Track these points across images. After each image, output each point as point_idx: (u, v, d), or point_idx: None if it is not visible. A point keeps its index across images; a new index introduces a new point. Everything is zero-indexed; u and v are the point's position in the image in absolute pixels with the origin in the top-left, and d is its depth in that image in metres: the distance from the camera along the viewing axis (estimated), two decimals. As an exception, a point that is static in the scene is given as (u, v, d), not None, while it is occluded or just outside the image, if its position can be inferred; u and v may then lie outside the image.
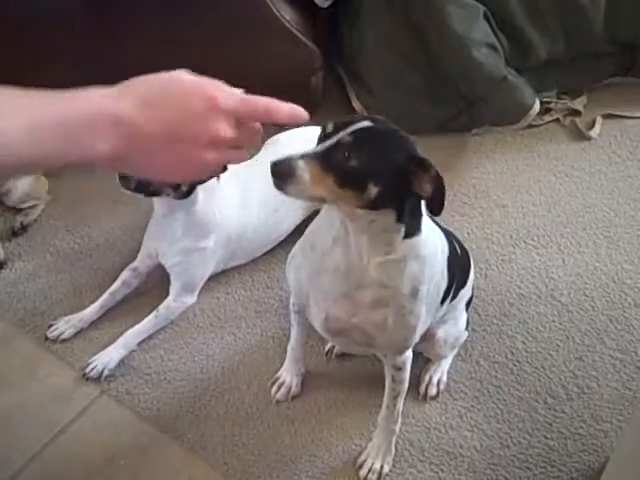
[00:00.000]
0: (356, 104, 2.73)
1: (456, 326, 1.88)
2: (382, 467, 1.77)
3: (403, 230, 1.42)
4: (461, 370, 1.98)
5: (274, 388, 1.95)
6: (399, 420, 1.76)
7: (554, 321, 2.08)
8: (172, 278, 2.13)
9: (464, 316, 1.92)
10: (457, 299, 1.80)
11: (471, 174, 2.55)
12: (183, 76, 0.90)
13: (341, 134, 1.32)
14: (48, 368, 2.01)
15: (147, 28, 2.36)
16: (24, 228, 2.37)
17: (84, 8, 2.35)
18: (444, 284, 1.62)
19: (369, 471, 1.77)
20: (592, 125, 2.72)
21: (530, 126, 2.70)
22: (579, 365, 1.97)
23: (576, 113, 2.77)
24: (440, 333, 1.84)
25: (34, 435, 1.86)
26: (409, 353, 1.66)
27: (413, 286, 1.50)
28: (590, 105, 2.79)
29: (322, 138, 1.34)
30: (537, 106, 2.63)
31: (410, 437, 1.83)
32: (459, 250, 1.76)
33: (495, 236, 2.32)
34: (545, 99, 2.75)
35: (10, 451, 1.83)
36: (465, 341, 1.99)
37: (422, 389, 1.93)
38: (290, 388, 1.94)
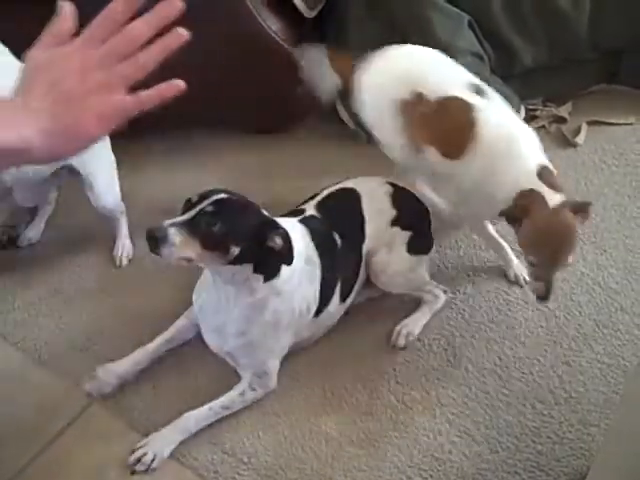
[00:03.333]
0: (342, 113, 2.74)
1: (391, 254, 2.05)
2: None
3: (262, 277, 1.78)
4: (449, 376, 1.98)
5: (85, 381, 1.93)
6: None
7: (542, 326, 2.09)
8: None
9: (401, 248, 2.06)
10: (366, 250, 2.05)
11: (458, 181, 2.56)
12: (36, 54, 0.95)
13: (204, 203, 1.64)
14: (37, 378, 2.01)
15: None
16: (11, 241, 2.37)
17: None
18: (314, 305, 1.93)
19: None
20: (577, 132, 2.74)
21: (517, 133, 2.70)
22: (567, 370, 1.98)
23: (561, 120, 2.80)
24: (375, 259, 2.04)
25: (22, 447, 1.85)
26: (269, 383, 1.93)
27: (275, 319, 1.85)
28: (575, 112, 2.82)
29: (188, 207, 1.66)
30: (522, 114, 2.65)
31: (398, 443, 1.84)
32: (339, 242, 1.98)
33: (481, 242, 2.33)
34: (530, 106, 2.77)
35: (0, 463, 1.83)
36: (454, 347, 2.02)
37: (392, 339, 2.07)
38: (100, 388, 1.93)
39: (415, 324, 2.09)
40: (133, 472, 1.78)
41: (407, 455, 1.82)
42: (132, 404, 1.93)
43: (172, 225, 1.62)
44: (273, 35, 2.42)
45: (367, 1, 2.57)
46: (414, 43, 2.50)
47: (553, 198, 1.82)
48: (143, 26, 0.97)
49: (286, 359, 1.99)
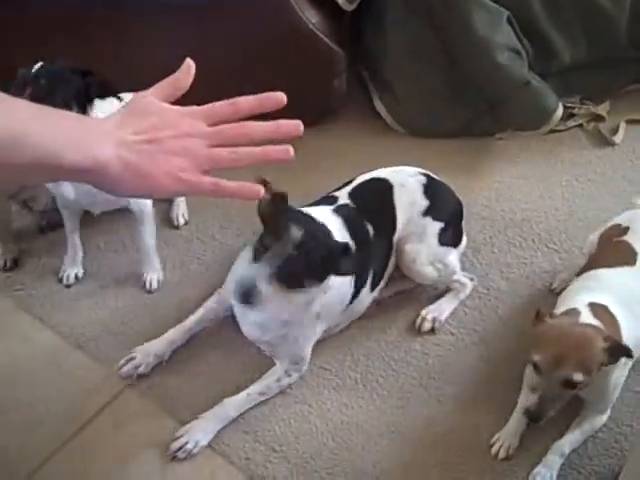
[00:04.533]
0: (379, 107, 2.74)
1: (422, 243, 2.03)
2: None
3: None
4: (482, 372, 1.99)
5: (122, 361, 1.97)
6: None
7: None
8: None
9: (432, 239, 2.05)
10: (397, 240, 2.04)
11: (494, 178, 2.56)
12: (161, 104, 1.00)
13: (289, 247, 1.65)
14: (73, 362, 2.03)
15: (167, 28, 2.39)
16: (51, 226, 2.40)
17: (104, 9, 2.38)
18: (349, 295, 1.94)
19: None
20: (615, 131, 2.71)
21: (553, 131, 2.69)
22: (600, 369, 1.97)
23: (599, 118, 2.77)
24: (406, 248, 2.03)
25: (56, 429, 1.88)
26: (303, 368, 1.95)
27: (318, 312, 1.87)
28: (613, 110, 2.79)
29: (263, 252, 1.67)
30: (560, 111, 2.63)
31: (429, 437, 1.84)
32: (371, 232, 1.98)
33: (517, 240, 2.32)
34: (568, 104, 2.75)
35: (32, 445, 1.86)
36: (486, 343, 2.03)
37: (417, 322, 2.09)
38: (139, 367, 1.96)
39: (441, 310, 2.11)
40: (174, 458, 1.81)
41: (436, 450, 1.82)
42: (165, 389, 1.95)
43: (262, 279, 1.64)
44: (312, 27, 2.42)
45: (406, -5, 2.58)
46: (454, 38, 2.52)
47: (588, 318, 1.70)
48: (260, 129, 1.01)
49: (316, 350, 2.01)
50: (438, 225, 2.05)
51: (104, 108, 1.93)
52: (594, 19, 2.66)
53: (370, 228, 1.98)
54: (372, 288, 2.03)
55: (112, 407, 1.93)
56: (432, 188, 2.08)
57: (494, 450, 1.79)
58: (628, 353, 1.63)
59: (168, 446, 1.81)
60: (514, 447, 1.79)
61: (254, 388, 1.90)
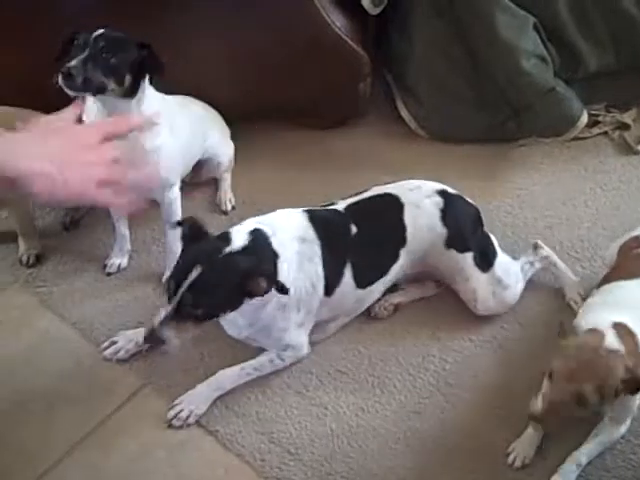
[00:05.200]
0: (403, 112, 2.74)
1: (468, 282, 2.05)
2: None
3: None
4: (501, 379, 1.98)
5: (106, 343, 2.05)
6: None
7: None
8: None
9: (474, 271, 2.04)
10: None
11: (516, 184, 2.55)
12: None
13: (180, 291, 1.70)
14: (92, 359, 2.05)
15: (196, 26, 2.40)
16: (74, 223, 2.43)
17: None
18: (319, 282, 1.94)
19: None
20: (641, 139, 2.69)
21: (577, 138, 2.67)
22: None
23: (625, 127, 2.75)
24: (461, 292, 2.09)
25: (75, 424, 1.90)
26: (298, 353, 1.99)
27: (281, 304, 1.88)
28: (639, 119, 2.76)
29: (170, 295, 1.73)
30: (585, 118, 2.61)
31: (445, 443, 1.84)
32: (354, 230, 1.98)
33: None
34: (594, 112, 2.73)
35: (51, 439, 1.88)
36: (506, 350, 2.03)
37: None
38: (118, 351, 2.03)
39: None
40: (170, 426, 1.88)
41: (452, 457, 1.81)
42: (183, 390, 1.94)
43: (162, 325, 1.71)
44: (337, 31, 2.43)
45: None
46: (479, 43, 2.51)
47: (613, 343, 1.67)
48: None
49: (333, 354, 2.02)
50: (469, 255, 2.04)
51: (152, 97, 2.01)
52: (621, 26, 2.63)
53: (353, 227, 1.98)
54: (360, 285, 2.02)
55: (130, 405, 1.95)
56: (450, 212, 2.04)
57: (510, 459, 1.78)
58: None
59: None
60: (530, 457, 1.78)
61: (249, 363, 1.96)
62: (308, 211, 2.00)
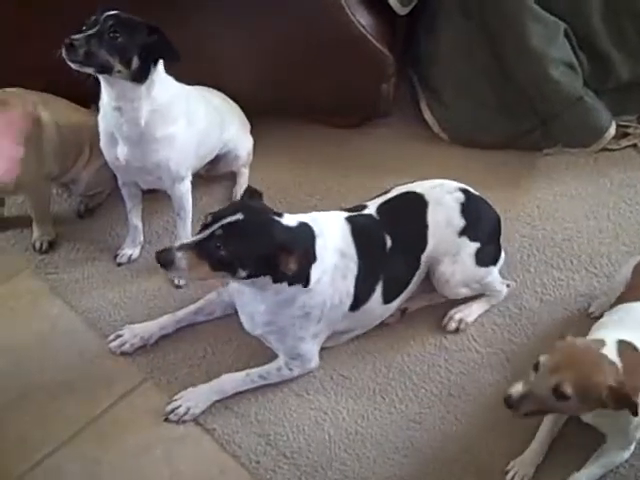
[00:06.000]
0: (427, 114, 2.70)
1: (456, 264, 2.01)
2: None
3: (285, 283, 1.78)
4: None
5: (111, 336, 2.05)
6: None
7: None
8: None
9: (468, 259, 2.01)
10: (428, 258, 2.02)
11: (538, 194, 2.50)
12: None
13: (215, 226, 1.68)
14: (97, 350, 2.06)
15: (219, 21, 2.39)
16: (89, 211, 2.43)
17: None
18: (347, 299, 1.92)
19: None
20: (671, 154, 2.62)
21: (605, 150, 2.61)
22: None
23: (656, 140, 2.68)
24: (440, 269, 2.01)
25: (75, 415, 1.91)
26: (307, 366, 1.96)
27: (304, 312, 1.87)
28: (671, 133, 2.69)
29: (202, 228, 1.71)
30: (613, 130, 2.55)
31: (444, 456, 1.81)
32: (389, 244, 1.96)
33: (555, 260, 2.26)
34: (623, 123, 2.66)
35: (50, 428, 1.89)
36: (513, 364, 1.99)
37: (444, 321, 2.09)
38: (123, 345, 2.02)
39: (470, 311, 2.09)
40: (166, 420, 1.88)
41: (450, 470, 1.79)
42: (184, 386, 1.94)
43: (180, 249, 1.69)
44: (361, 29, 2.39)
45: (460, 1, 2.52)
46: (507, 49, 2.46)
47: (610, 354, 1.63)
48: None
49: (337, 358, 2.00)
50: (474, 245, 2.01)
51: (166, 85, 1.99)
52: (655, 36, 2.57)
53: (389, 240, 1.96)
54: (387, 300, 2.00)
55: (130, 398, 1.95)
56: (470, 206, 2.04)
57: (508, 477, 1.75)
58: (633, 410, 1.55)
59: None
60: (529, 477, 1.74)
61: (255, 370, 1.94)
62: (349, 219, 1.96)
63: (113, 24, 1.86)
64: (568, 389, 1.54)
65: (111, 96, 1.95)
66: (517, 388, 1.60)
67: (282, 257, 1.71)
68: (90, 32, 1.84)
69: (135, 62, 1.90)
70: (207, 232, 1.69)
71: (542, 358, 1.60)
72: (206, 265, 1.70)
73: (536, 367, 1.61)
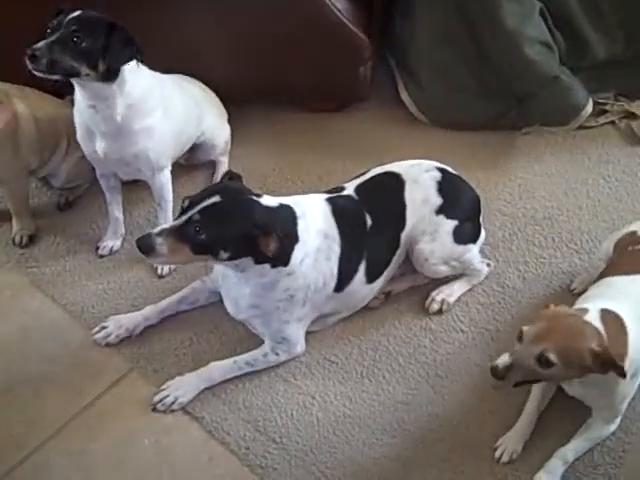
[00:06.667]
0: (405, 97, 2.70)
1: (435, 242, 2.01)
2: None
3: (268, 265, 1.78)
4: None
5: (96, 328, 2.03)
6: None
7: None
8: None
9: (446, 237, 2.02)
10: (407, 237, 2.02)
11: (518, 173, 2.51)
12: None
13: (193, 211, 1.68)
14: (81, 342, 2.04)
15: (193, 7, 2.36)
16: (69, 204, 2.42)
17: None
18: (331, 280, 1.92)
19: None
20: (648, 129, 2.64)
21: (583, 127, 2.63)
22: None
23: (633, 116, 2.69)
24: (418, 247, 2.01)
25: (61, 407, 1.90)
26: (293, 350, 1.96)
27: (288, 295, 1.87)
28: (649, 108, 2.71)
29: (181, 212, 1.71)
30: (590, 107, 2.56)
31: (432, 436, 1.82)
32: (369, 223, 1.96)
33: (537, 238, 2.28)
34: (601, 100, 2.68)
35: (37, 421, 1.88)
36: (497, 342, 2.00)
37: (427, 303, 2.10)
38: (108, 336, 2.01)
39: (451, 291, 2.10)
40: (154, 410, 1.88)
41: (439, 449, 1.80)
42: (171, 375, 1.94)
43: (159, 234, 1.69)
44: (337, 13, 2.39)
45: (434, -18, 2.52)
46: (482, 29, 2.46)
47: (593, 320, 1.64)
48: None
49: (323, 341, 2.01)
50: (452, 223, 2.02)
51: (139, 78, 1.96)
52: (632, 13, 2.58)
53: (369, 220, 1.96)
54: (370, 279, 2.01)
55: (116, 389, 1.94)
56: (447, 185, 2.04)
57: (497, 454, 1.76)
58: (619, 371, 1.56)
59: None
60: (518, 452, 1.76)
61: (242, 357, 1.94)
62: (330, 200, 1.97)
63: (75, 28, 1.83)
64: (552, 356, 1.55)
65: (84, 96, 1.94)
66: (503, 359, 1.61)
67: (261, 237, 1.71)
68: (52, 39, 1.82)
69: (102, 64, 1.87)
70: (185, 216, 1.69)
71: (525, 328, 1.61)
72: (187, 248, 1.71)
73: (520, 337, 1.61)
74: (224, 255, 1.73)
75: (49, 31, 1.84)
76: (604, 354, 1.55)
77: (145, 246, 1.70)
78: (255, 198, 1.78)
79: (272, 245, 1.71)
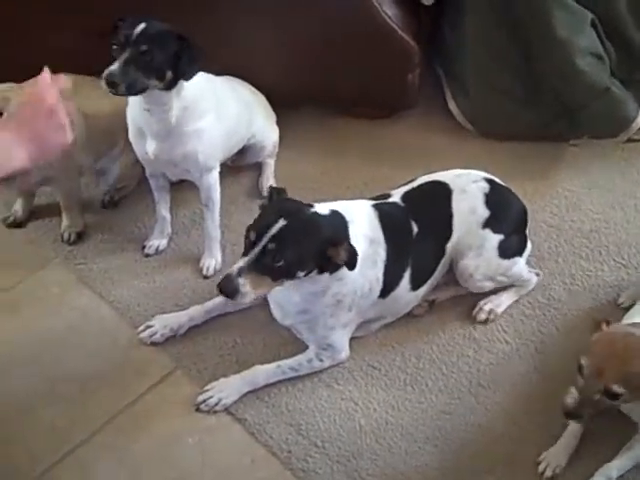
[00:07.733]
0: (452, 106, 2.69)
1: (480, 257, 2.00)
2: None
3: (327, 273, 1.80)
4: (535, 384, 1.94)
5: (141, 327, 2.06)
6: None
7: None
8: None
9: (492, 252, 2.00)
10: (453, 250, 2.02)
11: (565, 185, 2.49)
12: None
13: (264, 240, 1.67)
14: (127, 340, 2.07)
15: (247, 11, 2.39)
16: (114, 203, 2.44)
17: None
18: (377, 286, 1.93)
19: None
20: (697, 146, 2.60)
21: (632, 140, 2.60)
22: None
23: (684, 130, 2.65)
24: (463, 262, 2.01)
25: (105, 404, 1.92)
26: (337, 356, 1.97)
27: (336, 300, 1.88)
28: (699, 123, 2.67)
29: (249, 245, 1.70)
30: (639, 121, 2.53)
31: (475, 447, 1.81)
32: (415, 230, 1.97)
33: (584, 250, 2.26)
34: (650, 115, 2.65)
35: (80, 418, 1.90)
36: (543, 354, 1.99)
37: (474, 312, 2.09)
38: (154, 335, 2.03)
39: (499, 302, 2.09)
40: (197, 410, 1.89)
41: (481, 461, 1.79)
42: (214, 375, 1.95)
43: (239, 274, 1.68)
44: (387, 20, 2.39)
45: (486, -9, 2.51)
46: (532, 38, 2.44)
47: None
48: None
49: (366, 348, 2.01)
50: (498, 237, 2.01)
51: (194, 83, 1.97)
52: (684, 26, 2.55)
53: (415, 227, 1.96)
54: (414, 287, 2.01)
55: (160, 387, 1.96)
56: (495, 197, 2.03)
57: (541, 468, 1.75)
58: None
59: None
60: (561, 467, 1.74)
61: (286, 362, 1.95)
62: (376, 206, 1.97)
63: (146, 47, 1.85)
64: (616, 388, 1.53)
65: (141, 101, 1.97)
66: (572, 397, 1.58)
67: (333, 250, 1.73)
68: (123, 59, 1.84)
69: (169, 75, 1.90)
70: (258, 248, 1.68)
71: (583, 361, 1.58)
72: (268, 279, 1.72)
73: (580, 370, 1.59)
74: (301, 274, 1.75)
75: (115, 47, 1.86)
76: None
77: (229, 290, 1.69)
78: (315, 211, 1.78)
79: (343, 254, 1.72)
